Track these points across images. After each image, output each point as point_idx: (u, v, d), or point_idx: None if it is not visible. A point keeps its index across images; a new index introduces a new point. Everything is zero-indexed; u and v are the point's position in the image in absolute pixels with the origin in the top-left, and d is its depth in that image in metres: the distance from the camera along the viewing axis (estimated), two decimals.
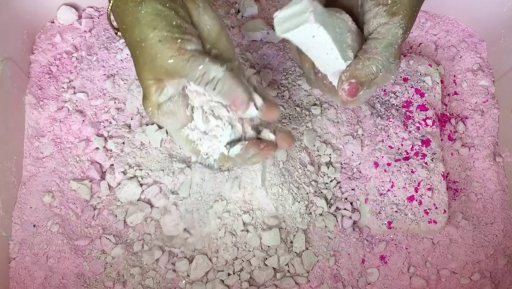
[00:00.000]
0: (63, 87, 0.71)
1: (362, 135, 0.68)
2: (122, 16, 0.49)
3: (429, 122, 0.69)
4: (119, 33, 0.55)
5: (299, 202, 0.64)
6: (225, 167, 0.58)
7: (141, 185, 0.65)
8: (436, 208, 0.65)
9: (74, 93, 0.70)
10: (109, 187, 0.66)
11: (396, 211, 0.65)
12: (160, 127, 0.65)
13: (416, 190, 0.65)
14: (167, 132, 0.65)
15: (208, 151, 0.53)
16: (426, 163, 0.66)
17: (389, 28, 0.51)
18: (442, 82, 0.74)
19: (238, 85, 0.50)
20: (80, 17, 0.75)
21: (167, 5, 0.48)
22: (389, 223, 0.65)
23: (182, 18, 0.49)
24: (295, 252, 0.64)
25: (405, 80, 0.71)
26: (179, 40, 0.48)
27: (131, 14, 0.48)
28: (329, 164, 0.67)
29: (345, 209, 0.66)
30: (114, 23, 0.54)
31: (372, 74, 0.51)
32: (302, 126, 0.68)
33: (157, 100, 0.51)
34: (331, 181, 0.67)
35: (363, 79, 0.51)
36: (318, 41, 0.49)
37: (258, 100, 0.51)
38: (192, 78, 0.49)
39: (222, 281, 0.62)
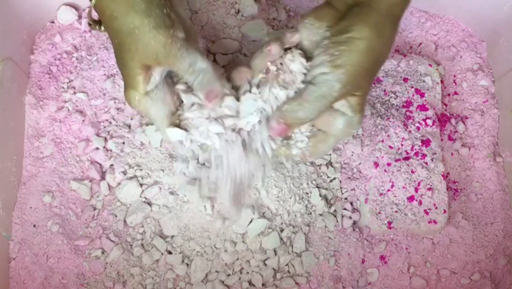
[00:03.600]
0: (63, 87, 0.71)
1: (362, 135, 0.68)
2: (113, 5, 0.49)
3: (429, 122, 0.69)
4: (101, 28, 0.55)
5: (299, 202, 0.64)
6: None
7: (141, 185, 0.65)
8: (436, 208, 0.65)
9: (74, 93, 0.70)
10: (109, 187, 0.66)
11: (396, 211, 0.65)
12: None
13: (416, 190, 0.65)
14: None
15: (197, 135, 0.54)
16: (426, 163, 0.66)
17: (327, 79, 0.50)
18: (442, 82, 0.74)
19: (216, 79, 0.52)
20: (80, 17, 0.75)
21: None
22: (389, 223, 0.65)
23: (169, 6, 0.51)
24: (295, 253, 0.64)
25: (405, 80, 0.71)
26: (171, 28, 0.50)
27: (124, 2, 0.49)
28: (329, 164, 0.67)
29: (345, 209, 0.66)
30: (94, 18, 0.55)
31: (299, 119, 0.52)
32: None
33: (144, 88, 0.52)
34: (331, 181, 0.67)
35: (290, 121, 0.52)
36: None
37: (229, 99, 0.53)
38: (179, 66, 0.51)
39: (222, 281, 0.62)
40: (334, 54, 0.50)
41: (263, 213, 0.63)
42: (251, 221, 0.62)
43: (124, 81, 0.53)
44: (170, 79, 0.55)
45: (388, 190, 0.65)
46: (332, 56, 0.50)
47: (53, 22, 0.75)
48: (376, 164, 0.66)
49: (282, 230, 0.63)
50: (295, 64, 0.53)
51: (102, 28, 0.55)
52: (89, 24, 0.57)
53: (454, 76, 0.76)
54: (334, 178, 0.67)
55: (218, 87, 0.52)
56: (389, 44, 0.52)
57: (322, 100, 0.51)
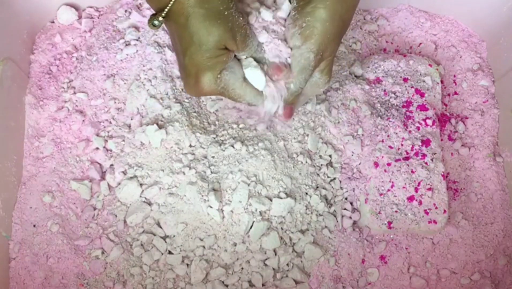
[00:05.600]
0: (63, 87, 0.71)
1: (362, 135, 0.68)
2: None
3: (429, 122, 0.69)
4: (160, 22, 0.56)
5: (299, 202, 0.64)
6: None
7: (141, 185, 0.65)
8: (436, 208, 0.65)
9: (74, 93, 0.70)
10: (109, 187, 0.66)
11: (396, 211, 0.65)
12: (160, 127, 0.65)
13: (416, 190, 0.65)
14: (166, 133, 0.65)
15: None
16: (426, 163, 0.66)
17: (301, 52, 0.56)
18: (442, 82, 0.74)
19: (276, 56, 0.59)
20: (80, 17, 0.75)
21: None
22: (389, 223, 0.65)
23: None
24: (295, 252, 0.64)
25: (405, 80, 0.71)
26: (244, 14, 0.56)
27: None
28: (329, 164, 0.67)
29: (345, 209, 0.66)
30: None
31: (292, 94, 0.59)
32: (305, 128, 0.68)
33: (222, 68, 0.56)
34: (331, 181, 0.67)
35: (290, 99, 0.59)
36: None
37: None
38: (251, 47, 0.57)
39: (222, 281, 0.62)
40: (302, 26, 0.56)
41: (263, 213, 0.63)
42: (252, 225, 0.62)
43: (197, 69, 0.55)
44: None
45: (388, 190, 0.65)
46: (301, 28, 0.56)
47: (53, 22, 0.75)
48: (376, 164, 0.66)
49: (282, 230, 0.63)
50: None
51: (159, 21, 0.56)
52: (151, 22, 0.56)
53: (454, 76, 0.76)
54: (334, 178, 0.67)
55: (281, 63, 0.58)
56: (352, 9, 0.57)
57: (305, 71, 0.57)
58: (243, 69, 0.58)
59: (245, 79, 0.58)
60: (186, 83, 0.57)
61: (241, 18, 0.55)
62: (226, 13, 0.54)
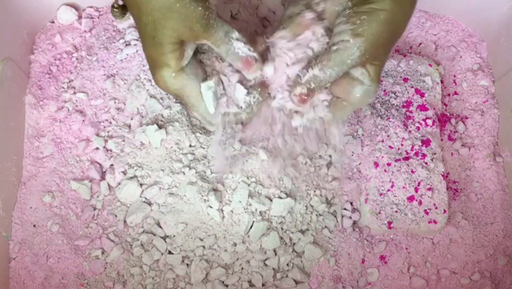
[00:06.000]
0: (63, 87, 0.71)
1: (362, 135, 0.68)
2: None
3: (429, 122, 0.69)
4: (124, 15, 0.55)
5: (299, 202, 0.64)
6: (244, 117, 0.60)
7: (141, 185, 0.65)
8: (436, 208, 0.65)
9: (74, 93, 0.70)
10: (109, 187, 0.66)
11: (396, 211, 0.65)
12: (160, 127, 0.65)
13: (416, 190, 0.65)
14: (166, 133, 0.65)
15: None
16: (426, 163, 0.66)
17: (348, 46, 0.53)
18: (442, 82, 0.74)
19: (249, 46, 0.54)
20: (80, 17, 0.75)
21: None
22: (389, 223, 0.65)
23: None
24: (295, 252, 0.64)
25: (405, 80, 0.71)
26: (206, 2, 0.51)
27: None
28: (329, 164, 0.67)
29: (345, 209, 0.66)
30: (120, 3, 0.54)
31: (319, 83, 0.54)
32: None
33: (180, 64, 0.53)
34: (331, 181, 0.67)
35: (311, 85, 0.54)
36: None
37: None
38: (216, 37, 0.52)
39: (222, 281, 0.62)
40: (356, 23, 0.53)
41: (263, 213, 0.63)
42: (252, 225, 0.62)
43: (154, 63, 0.53)
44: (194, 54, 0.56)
45: (388, 190, 0.65)
46: (354, 25, 0.53)
47: (53, 22, 0.75)
48: (376, 164, 0.66)
49: (282, 230, 0.63)
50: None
51: (125, 15, 0.55)
52: (113, 9, 0.55)
53: (454, 76, 0.76)
54: (334, 178, 0.67)
55: (255, 53, 0.54)
56: (408, 17, 0.55)
57: (341, 66, 0.53)
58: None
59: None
60: (152, 73, 0.56)
61: (200, 8, 0.50)
62: (178, 5, 0.50)
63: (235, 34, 0.54)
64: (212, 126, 0.60)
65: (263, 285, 0.62)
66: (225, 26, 0.53)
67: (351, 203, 0.67)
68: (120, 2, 0.55)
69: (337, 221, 0.65)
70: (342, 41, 0.53)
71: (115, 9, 0.54)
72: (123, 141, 0.67)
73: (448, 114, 0.73)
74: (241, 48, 0.54)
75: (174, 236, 0.63)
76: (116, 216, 0.65)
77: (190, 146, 0.66)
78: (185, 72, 0.54)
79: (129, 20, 0.74)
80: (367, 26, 0.52)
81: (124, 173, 0.65)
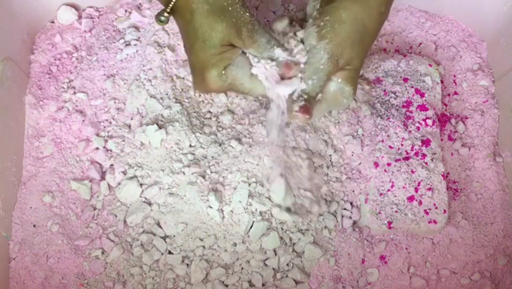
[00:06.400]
0: (63, 87, 0.71)
1: (362, 135, 0.68)
2: None
3: (429, 122, 0.69)
4: (167, 19, 0.56)
5: (299, 202, 0.64)
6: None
7: (141, 185, 0.65)
8: (436, 208, 0.65)
9: (74, 93, 0.70)
10: (109, 187, 0.66)
11: (396, 211, 0.65)
12: (160, 127, 0.65)
13: (416, 190, 0.65)
14: (166, 133, 0.65)
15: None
16: (426, 163, 0.66)
17: (316, 52, 0.54)
18: (442, 82, 0.74)
19: (288, 51, 0.56)
20: (80, 17, 0.75)
21: None
22: (389, 223, 0.65)
23: None
24: (295, 252, 0.64)
25: (405, 80, 0.71)
26: (251, 10, 0.54)
27: None
28: (329, 164, 0.67)
29: (345, 209, 0.66)
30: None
31: (308, 93, 0.55)
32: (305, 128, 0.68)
33: (227, 63, 0.55)
34: (331, 181, 0.67)
35: (304, 98, 0.55)
36: None
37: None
38: (259, 43, 0.55)
39: (222, 281, 0.62)
40: (320, 25, 0.53)
41: (263, 213, 0.63)
42: (252, 225, 0.62)
43: (203, 65, 0.54)
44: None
45: (388, 190, 0.65)
46: (318, 27, 0.53)
47: (53, 22, 0.75)
48: (376, 164, 0.66)
49: (282, 230, 0.63)
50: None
51: (165, 17, 0.56)
52: (161, 17, 0.56)
53: (454, 76, 0.76)
54: (334, 178, 0.67)
55: (294, 58, 0.56)
56: (376, 17, 0.54)
57: (318, 73, 0.54)
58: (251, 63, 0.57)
59: (252, 73, 0.57)
60: (194, 80, 0.57)
61: (247, 14, 0.53)
62: (230, 8, 0.52)
63: (275, 41, 0.55)
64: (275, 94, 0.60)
65: (263, 285, 0.62)
66: (267, 34, 0.55)
67: (351, 203, 0.67)
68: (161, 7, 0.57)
69: (337, 221, 0.65)
70: (311, 47, 0.54)
71: (161, 17, 0.55)
72: (123, 141, 0.67)
73: (448, 114, 0.73)
74: (281, 54, 0.55)
75: (174, 236, 0.63)
76: (116, 216, 0.65)
77: (190, 146, 0.66)
78: (233, 65, 0.55)
79: (129, 20, 0.74)
80: (329, 27, 0.53)
81: (124, 173, 0.65)
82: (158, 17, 0.55)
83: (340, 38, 0.53)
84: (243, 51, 0.56)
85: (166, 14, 0.54)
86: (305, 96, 0.55)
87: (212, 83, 0.55)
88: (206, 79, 0.55)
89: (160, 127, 0.66)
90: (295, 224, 0.64)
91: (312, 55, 0.54)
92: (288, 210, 0.62)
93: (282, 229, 0.63)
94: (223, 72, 0.55)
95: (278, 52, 0.56)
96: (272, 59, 0.56)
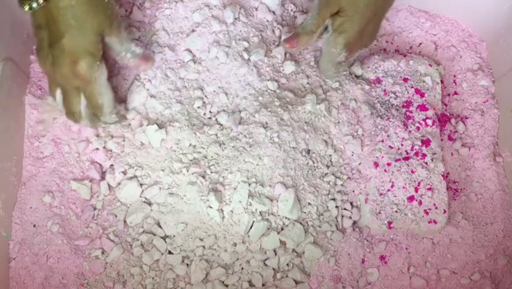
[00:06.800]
0: None
1: (362, 135, 0.68)
2: None
3: (429, 122, 0.69)
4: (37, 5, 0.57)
5: (299, 202, 0.64)
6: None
7: (141, 185, 0.65)
8: (436, 208, 0.65)
9: None
10: (109, 187, 0.66)
11: (396, 211, 0.65)
12: (160, 127, 0.65)
13: (416, 190, 0.65)
14: (166, 133, 0.65)
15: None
16: (426, 163, 0.66)
17: None
18: (442, 82, 0.74)
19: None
20: None
21: None
22: (389, 223, 0.65)
23: None
24: (295, 252, 0.64)
25: (405, 80, 0.71)
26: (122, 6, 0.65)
27: None
28: (329, 164, 0.67)
29: (345, 209, 0.66)
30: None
31: (304, 27, 0.64)
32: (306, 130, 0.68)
33: (100, 54, 0.59)
34: (331, 181, 0.67)
35: (298, 31, 0.65)
36: None
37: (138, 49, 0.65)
38: (124, 35, 0.62)
39: (222, 281, 0.62)
40: None
41: (263, 213, 0.63)
42: (252, 225, 0.62)
43: (79, 51, 0.57)
44: None
45: (388, 190, 0.65)
46: None
47: None
48: (376, 164, 0.66)
49: (282, 230, 0.63)
50: None
51: (38, 3, 0.56)
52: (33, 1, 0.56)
53: (454, 76, 0.76)
54: (334, 178, 0.67)
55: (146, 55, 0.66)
56: None
57: (312, 12, 0.63)
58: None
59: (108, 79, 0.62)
60: (57, 60, 0.58)
61: (117, 7, 0.59)
62: (106, 0, 0.57)
63: (133, 36, 0.65)
64: (89, 121, 0.64)
65: (263, 285, 0.62)
66: (129, 28, 0.65)
67: (351, 203, 0.67)
68: None
69: (337, 221, 0.65)
70: None
71: (36, 3, 0.55)
72: (123, 141, 0.67)
73: (448, 114, 0.73)
74: (137, 48, 0.64)
75: (174, 236, 0.63)
76: (116, 216, 0.65)
77: (190, 146, 0.66)
78: (102, 64, 0.60)
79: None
80: None
81: (124, 173, 0.65)
82: (30, 4, 0.55)
83: None
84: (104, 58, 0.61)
85: (41, 1, 0.55)
86: (300, 30, 0.65)
87: (84, 69, 0.58)
88: (79, 64, 0.58)
89: (160, 127, 0.66)
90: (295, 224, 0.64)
91: None
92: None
93: (282, 229, 0.63)
94: (98, 63, 0.59)
95: (134, 47, 0.63)
96: (130, 52, 0.63)
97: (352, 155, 0.68)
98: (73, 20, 0.56)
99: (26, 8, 0.55)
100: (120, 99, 0.67)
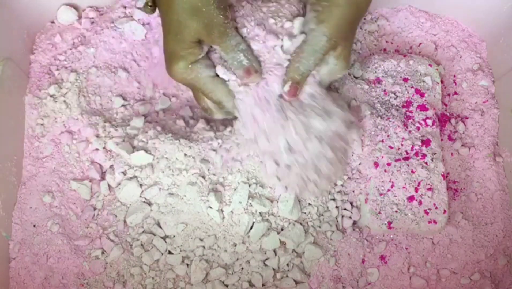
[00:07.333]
0: None
1: (362, 135, 0.68)
2: None
3: (429, 122, 0.69)
4: (153, 10, 0.60)
5: (299, 202, 0.64)
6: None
7: (141, 185, 0.65)
8: (436, 208, 0.65)
9: None
10: (109, 187, 0.66)
11: (396, 211, 0.65)
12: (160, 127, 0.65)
13: (416, 190, 0.65)
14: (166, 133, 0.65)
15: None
16: (426, 163, 0.66)
17: (315, 35, 0.58)
18: (442, 82, 0.74)
19: (254, 59, 0.59)
20: (80, 17, 0.75)
21: None
22: (389, 223, 0.65)
23: None
24: (295, 253, 0.64)
25: (405, 80, 0.71)
26: (227, 10, 0.57)
27: None
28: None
29: (345, 209, 0.66)
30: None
31: (301, 74, 0.59)
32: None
33: (196, 57, 0.58)
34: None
35: (296, 78, 0.59)
36: None
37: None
38: (228, 44, 0.58)
39: (222, 281, 0.62)
40: (318, 10, 0.57)
41: (263, 214, 0.63)
42: (252, 226, 0.62)
43: (172, 56, 0.58)
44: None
45: (388, 190, 0.65)
46: (317, 12, 0.57)
47: (53, 22, 0.75)
48: (376, 164, 0.66)
49: (282, 231, 0.63)
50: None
51: (155, 11, 0.60)
52: (147, 6, 0.60)
53: (454, 76, 0.76)
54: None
55: (258, 65, 0.59)
56: None
57: (315, 54, 0.58)
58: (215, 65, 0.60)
59: (217, 75, 0.60)
60: (165, 64, 0.60)
61: (221, 16, 0.56)
62: (204, 9, 0.55)
63: (244, 46, 0.58)
64: (221, 113, 0.63)
65: (263, 285, 0.62)
66: (238, 37, 0.58)
67: (351, 203, 0.67)
68: None
69: (337, 221, 0.65)
70: (310, 29, 0.58)
71: (149, 6, 0.60)
72: (123, 141, 0.67)
73: (448, 114, 0.73)
74: (244, 59, 0.58)
75: (174, 236, 0.63)
76: (116, 216, 0.65)
77: (190, 146, 0.66)
78: (199, 63, 0.59)
79: (129, 20, 0.74)
80: (328, 12, 0.57)
81: (124, 173, 0.65)
82: (145, 6, 0.59)
83: (338, 22, 0.57)
84: (207, 55, 0.60)
85: (150, 5, 0.59)
86: (298, 77, 0.59)
87: (178, 73, 0.59)
88: (172, 68, 0.59)
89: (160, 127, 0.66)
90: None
91: (311, 37, 0.58)
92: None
93: (282, 229, 0.63)
94: (189, 66, 0.58)
95: (242, 57, 0.58)
96: (237, 62, 0.58)
97: (352, 155, 0.68)
98: (170, 26, 0.57)
99: (146, 10, 0.59)
100: None
